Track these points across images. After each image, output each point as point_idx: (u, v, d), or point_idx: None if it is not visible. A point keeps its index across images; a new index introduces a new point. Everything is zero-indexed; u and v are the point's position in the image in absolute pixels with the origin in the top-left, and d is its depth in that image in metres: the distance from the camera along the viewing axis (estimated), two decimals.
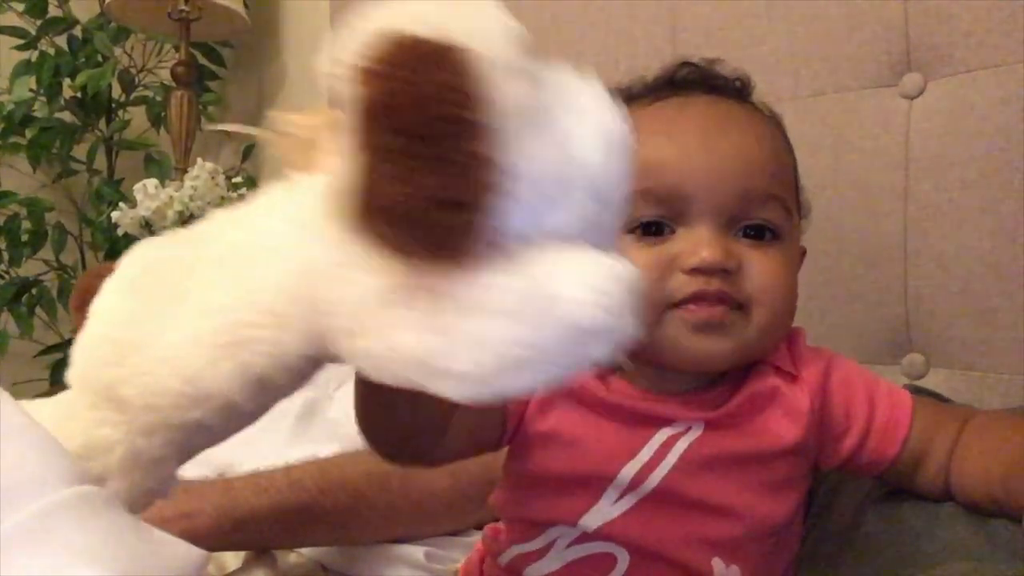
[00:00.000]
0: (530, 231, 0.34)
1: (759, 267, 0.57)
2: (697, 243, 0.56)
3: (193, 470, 0.91)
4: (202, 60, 1.94)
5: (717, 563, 0.57)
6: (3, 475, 0.34)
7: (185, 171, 1.66)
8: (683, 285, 0.56)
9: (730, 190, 0.57)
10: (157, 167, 1.91)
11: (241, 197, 1.64)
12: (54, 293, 1.89)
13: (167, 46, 1.97)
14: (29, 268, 1.88)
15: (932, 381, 0.82)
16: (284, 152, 0.40)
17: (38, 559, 0.32)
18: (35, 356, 1.86)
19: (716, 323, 0.56)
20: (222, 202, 1.62)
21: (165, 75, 1.90)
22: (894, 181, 0.85)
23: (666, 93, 0.63)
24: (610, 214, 0.38)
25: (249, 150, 1.96)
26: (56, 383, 1.85)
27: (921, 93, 0.84)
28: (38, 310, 1.87)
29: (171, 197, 1.57)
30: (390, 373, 0.33)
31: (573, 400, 0.60)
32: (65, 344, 1.91)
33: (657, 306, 0.57)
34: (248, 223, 0.42)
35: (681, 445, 0.58)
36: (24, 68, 1.85)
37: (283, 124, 0.40)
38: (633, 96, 0.65)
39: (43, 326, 1.89)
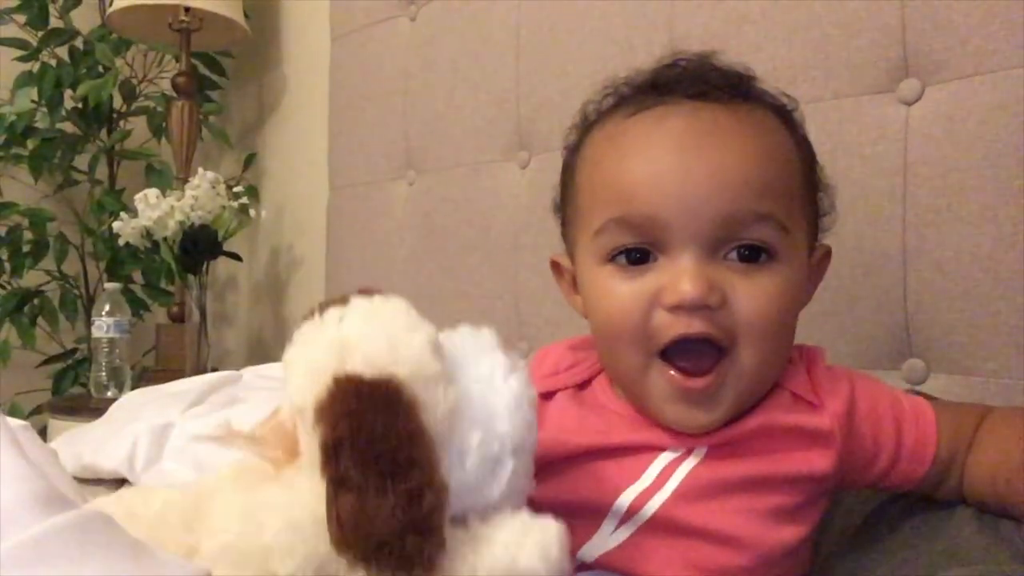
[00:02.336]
0: (479, 505, 0.42)
1: (748, 299, 0.53)
2: (678, 275, 0.53)
3: (192, 478, 0.92)
4: (203, 70, 1.94)
5: None
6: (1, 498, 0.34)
7: (186, 181, 1.67)
8: (666, 327, 0.54)
9: (709, 215, 0.53)
10: (158, 177, 1.92)
11: (243, 207, 1.65)
12: (56, 303, 1.89)
13: (168, 56, 1.98)
14: (31, 279, 1.88)
15: (932, 386, 0.82)
16: (262, 453, 0.46)
17: None
18: (37, 366, 1.86)
19: (700, 393, 0.54)
20: (223, 211, 1.62)
21: (166, 85, 1.90)
22: (892, 187, 0.85)
23: (649, 101, 0.58)
24: (524, 467, 0.45)
25: (250, 159, 1.97)
26: (57, 393, 1.85)
27: (919, 99, 0.85)
28: (40, 320, 1.87)
29: (172, 207, 1.58)
30: None
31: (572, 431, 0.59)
32: (66, 354, 1.91)
33: (644, 351, 0.55)
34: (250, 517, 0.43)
35: (682, 471, 0.56)
36: (26, 79, 1.86)
37: (254, 434, 0.46)
38: (618, 103, 0.61)
39: (45, 336, 1.90)
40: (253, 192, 1.83)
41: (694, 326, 0.53)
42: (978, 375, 0.80)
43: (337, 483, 0.38)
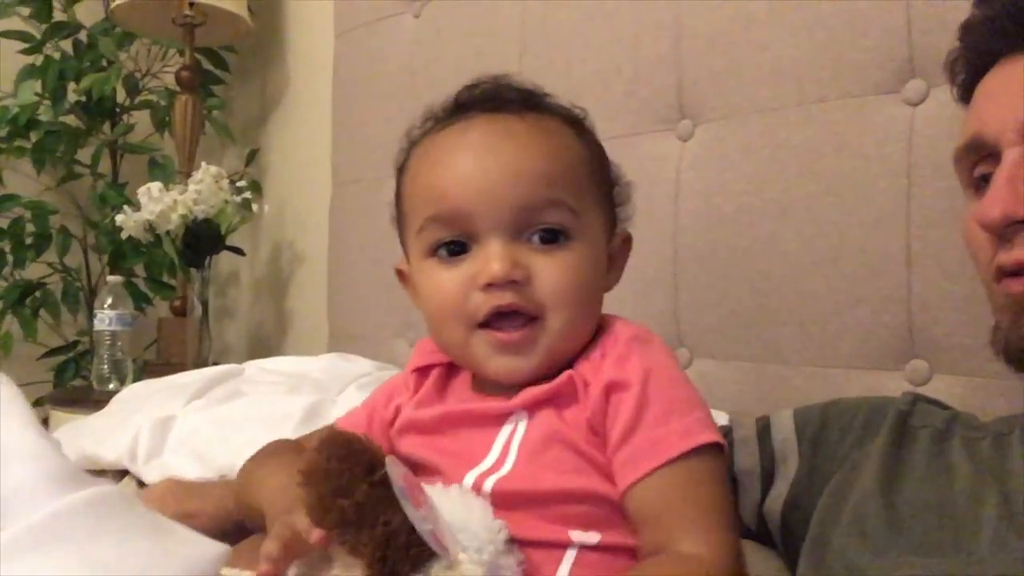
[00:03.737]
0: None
1: (548, 273, 0.62)
2: (487, 259, 0.61)
3: (195, 471, 0.92)
4: (206, 64, 1.94)
5: (575, 534, 0.58)
6: (16, 477, 0.34)
7: (189, 175, 1.67)
8: (481, 303, 0.62)
9: (508, 203, 0.61)
10: (161, 171, 1.91)
11: (245, 202, 1.65)
12: (58, 296, 1.90)
13: (171, 51, 1.98)
14: (33, 271, 1.88)
15: (935, 387, 0.82)
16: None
17: (48, 561, 0.32)
18: (39, 358, 1.86)
19: (515, 344, 0.62)
20: (225, 206, 1.62)
21: (169, 79, 1.90)
22: (897, 187, 0.85)
23: (453, 118, 0.67)
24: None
25: (253, 154, 1.97)
26: (59, 385, 1.85)
27: (924, 100, 0.85)
28: (42, 312, 1.88)
29: (175, 201, 1.58)
30: None
31: (415, 427, 0.67)
32: (68, 347, 1.91)
33: (465, 325, 0.63)
34: None
35: (516, 439, 0.62)
36: (29, 72, 1.86)
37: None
38: (432, 124, 0.70)
39: (47, 328, 1.90)
40: (256, 187, 1.83)
41: (504, 299, 0.61)
42: (981, 376, 0.80)
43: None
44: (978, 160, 0.63)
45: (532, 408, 0.63)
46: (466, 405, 0.66)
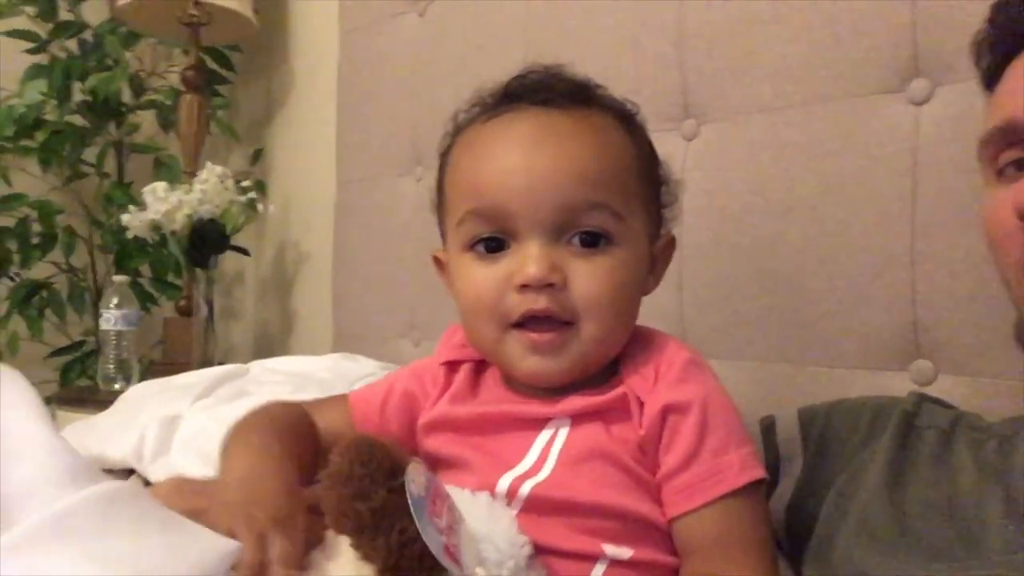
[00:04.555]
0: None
1: (586, 279, 0.61)
2: (525, 260, 0.60)
3: (201, 470, 0.93)
4: (211, 64, 1.94)
5: (608, 547, 0.58)
6: (29, 473, 0.34)
7: (194, 175, 1.67)
8: (516, 304, 0.61)
9: (549, 204, 0.60)
10: (167, 171, 1.92)
11: (250, 202, 1.65)
12: (64, 296, 1.90)
13: (177, 50, 1.99)
14: (39, 271, 1.89)
15: (940, 387, 0.82)
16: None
17: (61, 556, 0.32)
18: (45, 358, 1.87)
19: (547, 346, 0.61)
20: (231, 206, 1.63)
21: (175, 79, 1.91)
22: (902, 187, 0.85)
23: (501, 108, 0.66)
24: None
25: (258, 154, 1.97)
26: (65, 384, 1.86)
27: (929, 99, 0.84)
28: (48, 312, 1.88)
29: (180, 200, 1.59)
30: None
31: (449, 425, 0.66)
32: (74, 346, 1.92)
33: (499, 325, 0.62)
34: None
35: (556, 446, 0.61)
36: (35, 72, 1.86)
37: None
38: (476, 112, 0.68)
39: (53, 328, 1.91)
40: (261, 187, 1.83)
41: (539, 303, 0.60)
42: (986, 376, 0.80)
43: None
44: (1006, 145, 0.60)
45: (577, 417, 0.62)
46: (506, 406, 0.65)
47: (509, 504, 0.60)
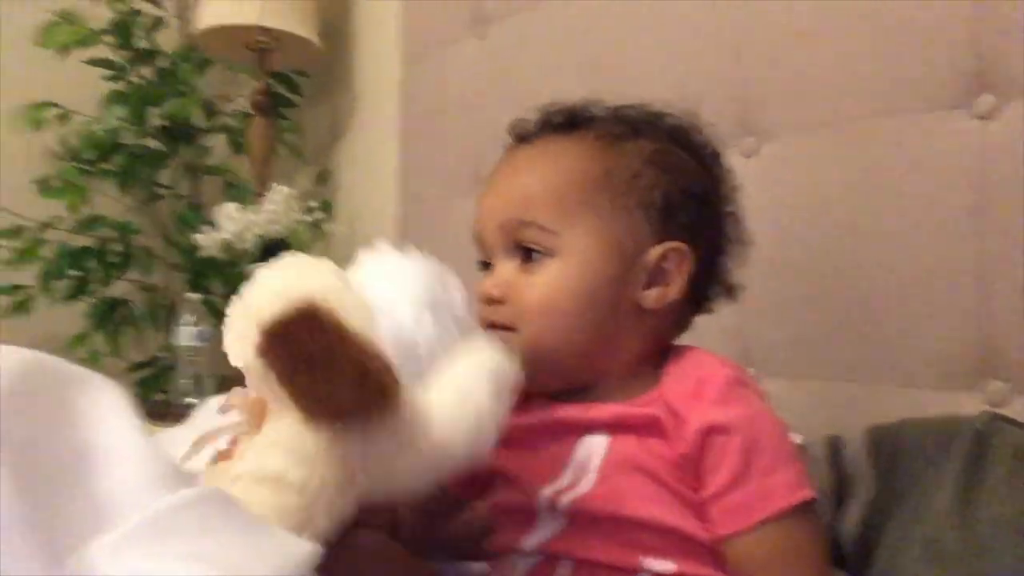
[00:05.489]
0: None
1: (524, 291, 0.66)
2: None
3: None
4: (279, 88, 2.01)
5: (648, 561, 0.59)
6: (125, 478, 0.37)
7: (263, 195, 1.73)
8: (480, 317, 0.69)
9: (492, 227, 0.68)
10: (237, 192, 1.98)
11: (317, 221, 1.70)
12: (141, 313, 1.97)
13: (246, 76, 2.05)
14: (118, 289, 1.96)
15: (1016, 409, 0.80)
16: (247, 416, 0.53)
17: (151, 561, 0.34)
18: (124, 372, 1.94)
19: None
20: (298, 225, 1.68)
21: (244, 103, 1.97)
22: (969, 203, 0.84)
23: (511, 145, 0.74)
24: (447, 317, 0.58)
25: (324, 175, 2.03)
26: (143, 398, 1.93)
27: (995, 114, 0.83)
28: (126, 329, 1.95)
29: (251, 220, 1.64)
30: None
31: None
32: (151, 361, 1.99)
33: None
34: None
35: (596, 459, 0.62)
36: (114, 98, 1.94)
37: (238, 403, 0.54)
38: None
39: (131, 344, 1.98)
40: (327, 206, 1.88)
41: (483, 313, 0.68)
42: None
43: (293, 385, 0.47)
44: None
45: (614, 429, 0.63)
46: (541, 414, 0.66)
47: (551, 516, 0.62)
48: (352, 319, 0.49)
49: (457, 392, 0.54)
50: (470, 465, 0.55)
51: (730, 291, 0.74)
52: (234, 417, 0.54)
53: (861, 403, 0.91)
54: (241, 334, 0.51)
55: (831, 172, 0.95)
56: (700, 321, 0.73)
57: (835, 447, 0.74)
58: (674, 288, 0.67)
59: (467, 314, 0.61)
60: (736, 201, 0.74)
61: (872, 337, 0.90)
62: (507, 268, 0.67)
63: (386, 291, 0.55)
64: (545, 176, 0.68)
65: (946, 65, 0.86)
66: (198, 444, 0.57)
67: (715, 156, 0.74)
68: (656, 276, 0.67)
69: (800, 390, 0.95)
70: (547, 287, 0.65)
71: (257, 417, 0.53)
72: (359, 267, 0.58)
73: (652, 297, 0.67)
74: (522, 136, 0.74)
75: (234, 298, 0.53)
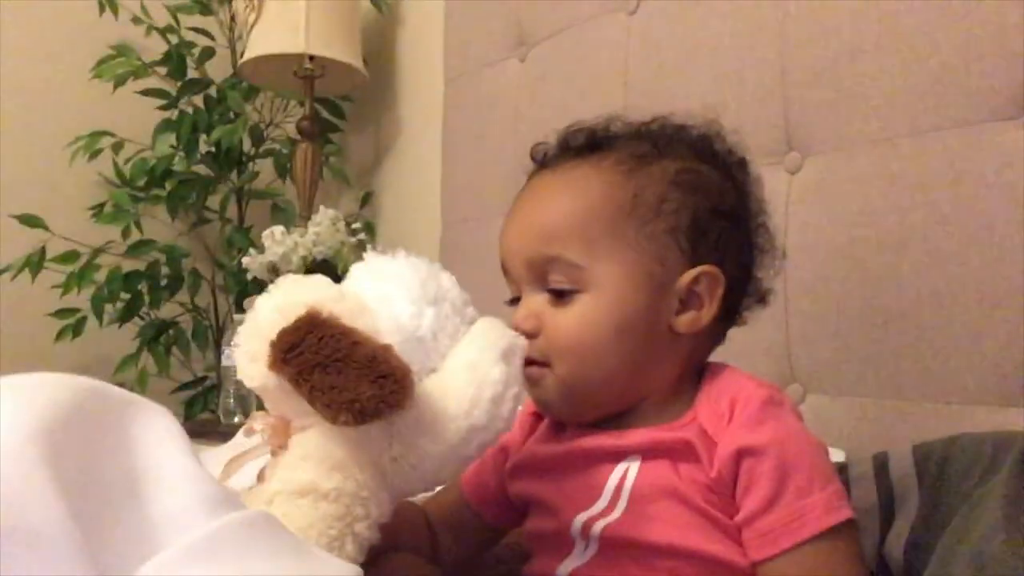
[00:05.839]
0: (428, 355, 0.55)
1: (554, 327, 0.64)
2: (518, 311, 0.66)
3: None
4: (324, 114, 2.05)
5: None
6: (177, 501, 0.38)
7: (309, 218, 1.76)
8: None
9: (518, 261, 0.66)
10: (283, 215, 2.02)
11: (360, 243, 1.72)
12: (189, 334, 2.02)
13: (292, 102, 2.10)
14: (167, 310, 2.01)
15: None
16: (271, 437, 0.55)
17: (206, 574, 0.35)
18: (171, 392, 1.98)
19: (530, 379, 0.63)
20: (342, 247, 1.70)
21: (291, 129, 2.01)
22: (1018, 218, 0.82)
23: (532, 171, 0.72)
24: (451, 307, 0.58)
25: (367, 197, 2.05)
26: (189, 418, 1.97)
27: None
28: (174, 349, 2.00)
29: (296, 243, 1.67)
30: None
31: (530, 466, 0.68)
32: (197, 381, 2.03)
33: None
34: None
35: (628, 484, 0.61)
36: (165, 126, 2.00)
37: (260, 426, 0.56)
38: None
39: (179, 364, 2.02)
40: (370, 228, 1.90)
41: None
42: None
43: (312, 391, 0.48)
44: None
45: (646, 454, 0.62)
46: (577, 443, 0.66)
47: (585, 543, 0.61)
48: (353, 320, 0.51)
49: (468, 368, 0.54)
50: (494, 436, 0.56)
51: (763, 298, 0.72)
52: (258, 439, 0.55)
53: (908, 420, 0.89)
54: (253, 356, 0.52)
55: (877, 187, 0.94)
56: (745, 338, 0.73)
57: (881, 464, 0.72)
58: (707, 312, 0.65)
59: (465, 304, 0.60)
60: (765, 210, 0.72)
61: (919, 353, 0.89)
62: (536, 301, 0.65)
63: (381, 290, 0.56)
64: (568, 207, 0.65)
65: (995, 76, 0.85)
66: (228, 468, 0.58)
67: (741, 164, 0.71)
68: (689, 301, 0.65)
69: (846, 407, 0.93)
70: (579, 323, 0.63)
71: (281, 437, 0.54)
72: (350, 276, 0.59)
73: (685, 322, 0.65)
74: (542, 161, 0.72)
75: (239, 327, 0.55)
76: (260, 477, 0.56)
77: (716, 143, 0.71)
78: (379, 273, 0.58)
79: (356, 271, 0.59)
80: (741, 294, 0.70)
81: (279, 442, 0.54)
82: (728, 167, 0.70)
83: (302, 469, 0.49)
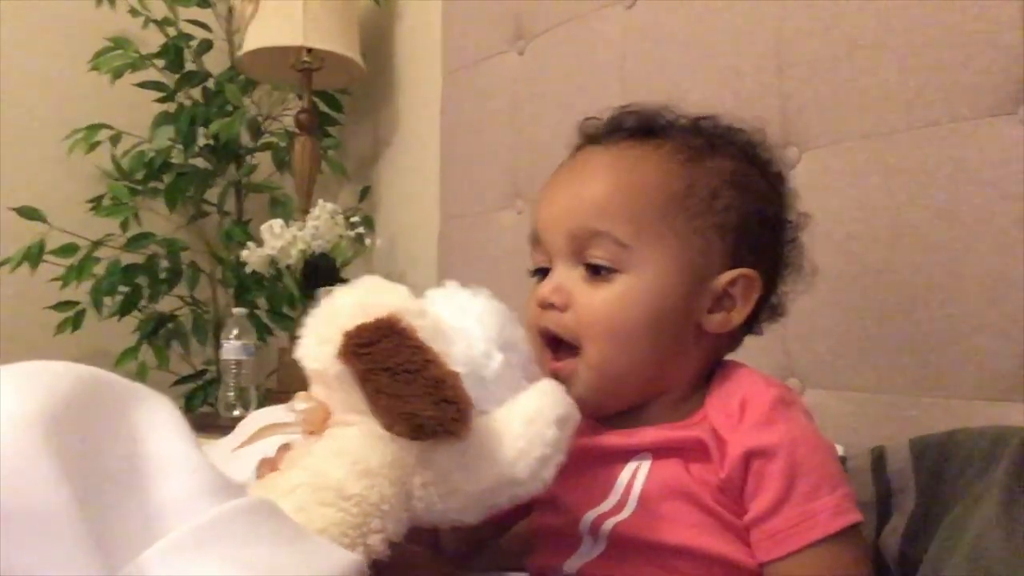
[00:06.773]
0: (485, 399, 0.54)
1: (585, 304, 0.63)
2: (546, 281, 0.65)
3: None
4: (322, 107, 2.04)
5: None
6: (178, 488, 0.38)
7: (307, 212, 1.76)
8: (533, 320, 0.65)
9: (559, 232, 0.65)
10: (282, 208, 2.02)
11: (359, 236, 1.72)
12: (188, 327, 2.02)
13: (291, 95, 2.10)
14: (166, 304, 2.01)
15: None
16: (307, 420, 0.54)
17: (200, 564, 0.36)
18: (170, 386, 1.99)
19: (557, 373, 0.63)
20: (340, 240, 1.70)
21: (289, 122, 2.01)
22: (1016, 211, 0.83)
23: (579, 145, 0.71)
24: (516, 359, 0.57)
25: (366, 191, 2.06)
26: (188, 411, 1.97)
27: None
28: (174, 343, 2.00)
29: (295, 236, 1.67)
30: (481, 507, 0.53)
31: None
32: (197, 375, 2.03)
33: (540, 347, 0.65)
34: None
35: (638, 483, 0.61)
36: (163, 119, 2.00)
37: (299, 403, 0.55)
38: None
39: (178, 358, 2.02)
40: (368, 222, 1.90)
41: (543, 319, 0.64)
42: None
43: (377, 392, 0.49)
44: None
45: (657, 452, 0.62)
46: (588, 440, 0.65)
47: (593, 541, 0.62)
48: (429, 340, 0.51)
49: (524, 421, 0.54)
50: (527, 494, 0.54)
51: (774, 311, 0.72)
52: (296, 417, 0.55)
53: (905, 414, 0.89)
54: (324, 338, 0.52)
55: (874, 182, 0.94)
56: None
57: (879, 458, 0.73)
58: (738, 314, 0.65)
59: (530, 360, 0.59)
60: (801, 226, 0.72)
61: (918, 348, 0.89)
62: (569, 275, 0.64)
63: (461, 322, 0.56)
64: (623, 185, 0.64)
65: (992, 72, 0.85)
66: (259, 434, 0.58)
67: (780, 177, 0.72)
68: (722, 301, 0.65)
69: (844, 401, 0.94)
70: (616, 303, 0.62)
71: (318, 424, 0.53)
72: (428, 298, 0.58)
73: (716, 322, 0.65)
74: (592, 137, 0.70)
75: (312, 308, 0.55)
76: (268, 463, 0.55)
77: (761, 151, 0.71)
78: (461, 307, 0.57)
79: (436, 297, 0.59)
80: (766, 304, 0.70)
81: (313, 428, 0.54)
82: (771, 177, 0.70)
83: (333, 465, 0.49)
